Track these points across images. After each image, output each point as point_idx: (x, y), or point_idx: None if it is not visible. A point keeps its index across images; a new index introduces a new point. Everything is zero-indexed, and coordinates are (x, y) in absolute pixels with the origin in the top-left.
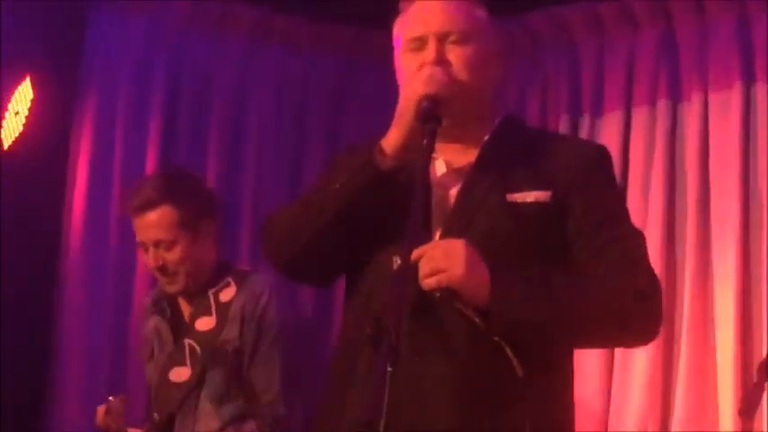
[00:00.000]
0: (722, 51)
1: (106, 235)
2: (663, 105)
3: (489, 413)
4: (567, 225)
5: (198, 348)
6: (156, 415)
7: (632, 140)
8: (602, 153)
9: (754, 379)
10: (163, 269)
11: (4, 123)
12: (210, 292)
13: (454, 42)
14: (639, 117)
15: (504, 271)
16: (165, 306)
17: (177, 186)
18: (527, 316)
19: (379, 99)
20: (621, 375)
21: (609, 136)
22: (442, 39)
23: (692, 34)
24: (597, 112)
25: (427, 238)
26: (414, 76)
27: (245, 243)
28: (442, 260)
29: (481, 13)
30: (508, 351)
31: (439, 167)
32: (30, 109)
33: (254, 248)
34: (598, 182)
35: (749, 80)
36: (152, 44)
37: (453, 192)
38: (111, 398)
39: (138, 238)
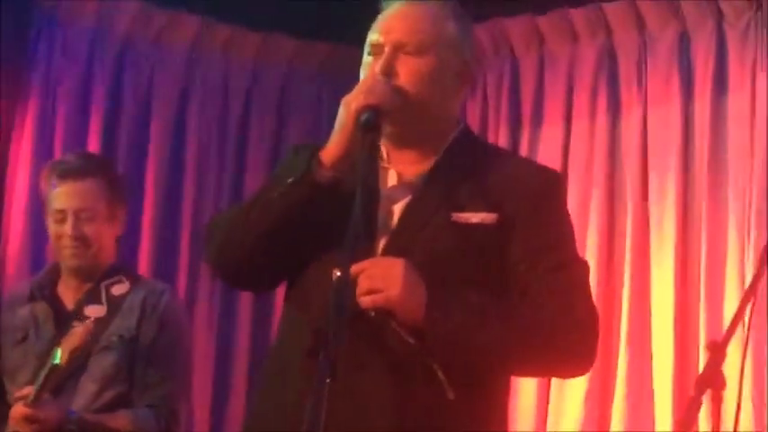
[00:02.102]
0: (662, 65)
1: (46, 239)
2: (602, 119)
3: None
4: (511, 249)
5: None
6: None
7: (571, 153)
8: (555, 180)
9: (691, 394)
10: (79, 238)
11: None
12: (102, 285)
13: (407, 53)
14: (579, 130)
15: (443, 291)
16: (48, 293)
17: (105, 165)
18: (461, 340)
19: (320, 109)
20: (558, 390)
21: (549, 148)
22: (397, 48)
23: (632, 48)
24: (537, 124)
25: (370, 251)
26: (356, 87)
27: (184, 252)
28: (380, 280)
29: (450, 25)
30: (439, 374)
31: (390, 178)
32: None
33: (192, 258)
34: (546, 208)
35: (688, 94)
36: (95, 53)
37: (400, 206)
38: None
39: (56, 206)
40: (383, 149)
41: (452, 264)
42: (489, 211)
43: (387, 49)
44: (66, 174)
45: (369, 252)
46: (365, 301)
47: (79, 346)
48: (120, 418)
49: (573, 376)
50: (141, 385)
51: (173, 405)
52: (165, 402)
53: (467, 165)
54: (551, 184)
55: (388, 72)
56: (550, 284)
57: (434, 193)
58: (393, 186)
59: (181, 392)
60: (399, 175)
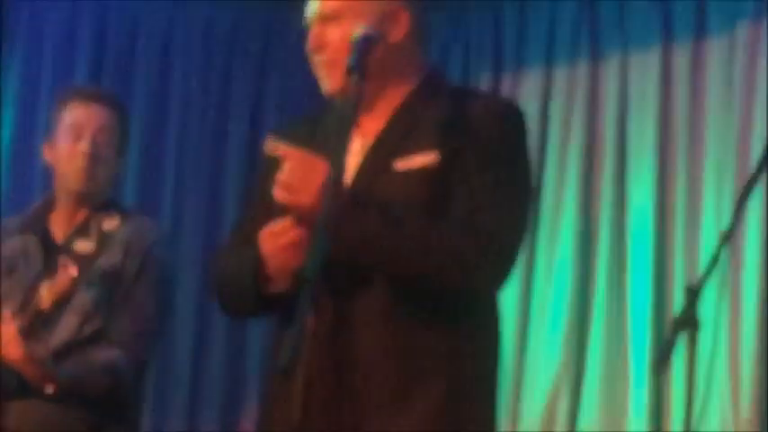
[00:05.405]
0: (642, 11)
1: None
2: (583, 65)
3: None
4: (457, 182)
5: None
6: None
7: (553, 99)
8: (504, 111)
9: (667, 335)
10: (94, 157)
11: None
12: (94, 218)
13: (330, 21)
14: (560, 76)
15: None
16: (39, 226)
17: (125, 111)
18: (363, 245)
19: (304, 55)
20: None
21: (529, 94)
22: (321, 20)
23: None
24: (518, 70)
25: None
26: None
27: (165, 211)
28: (299, 180)
29: None
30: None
31: (355, 144)
32: None
33: (176, 208)
34: (493, 137)
35: (668, 38)
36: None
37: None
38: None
39: (74, 121)
40: None
41: (404, 212)
42: (430, 151)
43: (314, 25)
44: (88, 96)
45: None
46: (278, 194)
47: (63, 292)
48: (99, 374)
49: (469, 287)
50: (115, 321)
51: (142, 344)
52: (134, 341)
53: (424, 113)
54: (501, 116)
55: (318, 47)
56: (472, 198)
57: (382, 150)
58: (356, 148)
59: (153, 332)
60: (363, 135)
